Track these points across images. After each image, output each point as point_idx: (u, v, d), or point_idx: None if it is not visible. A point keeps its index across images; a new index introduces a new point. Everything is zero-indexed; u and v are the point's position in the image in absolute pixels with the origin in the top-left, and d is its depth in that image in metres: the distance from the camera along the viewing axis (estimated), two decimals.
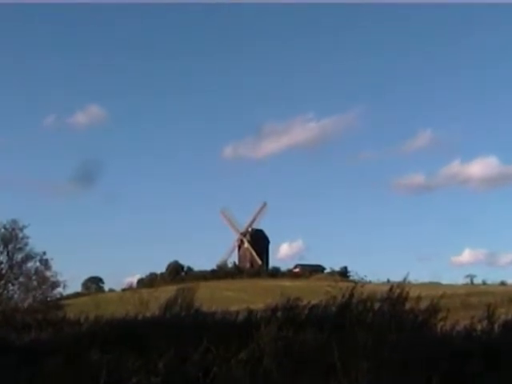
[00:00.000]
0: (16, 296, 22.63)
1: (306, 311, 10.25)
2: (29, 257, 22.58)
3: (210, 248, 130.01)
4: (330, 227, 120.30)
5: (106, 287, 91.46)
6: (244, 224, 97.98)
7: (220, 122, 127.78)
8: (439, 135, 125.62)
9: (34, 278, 22.65)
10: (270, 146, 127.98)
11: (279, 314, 10.16)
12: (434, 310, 8.74)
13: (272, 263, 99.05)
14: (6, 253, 22.26)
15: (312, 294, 13.37)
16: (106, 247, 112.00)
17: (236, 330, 9.49)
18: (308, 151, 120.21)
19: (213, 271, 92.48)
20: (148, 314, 13.46)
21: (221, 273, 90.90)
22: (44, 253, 22.64)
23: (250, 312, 11.14)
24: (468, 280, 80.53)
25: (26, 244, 22.54)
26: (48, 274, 22.64)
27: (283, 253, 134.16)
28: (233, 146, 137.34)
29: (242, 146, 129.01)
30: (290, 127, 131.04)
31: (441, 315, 8.63)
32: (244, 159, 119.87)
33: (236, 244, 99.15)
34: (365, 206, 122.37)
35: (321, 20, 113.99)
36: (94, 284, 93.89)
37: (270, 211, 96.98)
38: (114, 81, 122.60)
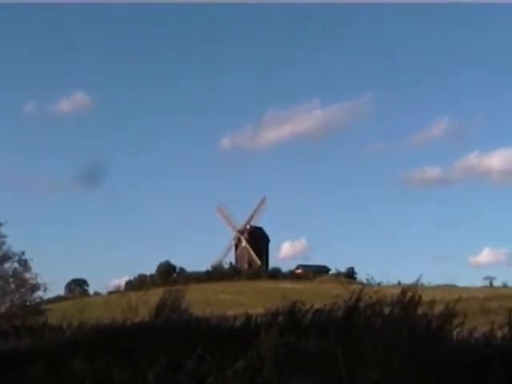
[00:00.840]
0: None
1: (310, 316, 10.29)
2: (6, 257, 22.54)
3: (205, 247, 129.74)
4: (335, 225, 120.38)
5: (91, 290, 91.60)
6: (242, 221, 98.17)
7: (217, 110, 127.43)
8: (456, 124, 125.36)
9: (11, 280, 22.62)
10: (271, 135, 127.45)
11: (280, 318, 10.20)
12: (449, 314, 8.75)
13: (272, 263, 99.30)
14: None
15: (316, 296, 13.45)
16: (90, 247, 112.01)
17: (233, 337, 9.53)
18: (312, 141, 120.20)
19: (207, 272, 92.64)
20: (137, 320, 13.51)
21: (216, 274, 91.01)
22: (23, 253, 22.60)
23: (249, 317, 11.19)
24: (487, 282, 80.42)
25: (3, 243, 22.49)
26: (27, 275, 22.60)
27: (284, 252, 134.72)
28: (230, 136, 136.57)
29: (240, 137, 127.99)
30: (294, 115, 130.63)
31: (457, 321, 8.63)
32: (243, 150, 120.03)
33: (233, 243, 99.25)
34: (374, 202, 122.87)
35: (329, 5, 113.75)
36: (77, 287, 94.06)
37: (270, 207, 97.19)
38: (103, 69, 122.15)
